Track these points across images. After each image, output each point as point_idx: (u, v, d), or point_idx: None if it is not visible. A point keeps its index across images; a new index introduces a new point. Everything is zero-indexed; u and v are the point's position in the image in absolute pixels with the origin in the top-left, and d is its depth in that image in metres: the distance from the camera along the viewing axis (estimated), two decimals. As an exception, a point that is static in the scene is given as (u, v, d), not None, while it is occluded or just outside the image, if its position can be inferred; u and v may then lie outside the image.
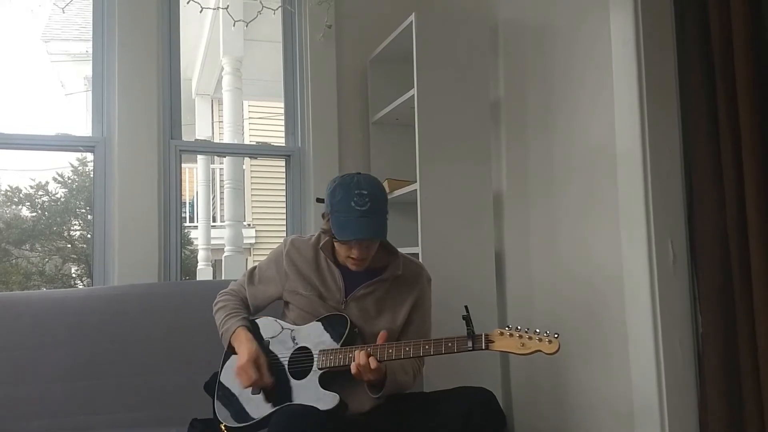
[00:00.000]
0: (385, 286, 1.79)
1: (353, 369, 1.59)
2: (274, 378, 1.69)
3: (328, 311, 1.76)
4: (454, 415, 1.58)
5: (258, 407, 1.68)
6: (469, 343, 1.51)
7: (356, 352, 1.60)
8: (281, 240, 1.94)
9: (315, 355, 1.68)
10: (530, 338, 1.47)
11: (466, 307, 1.53)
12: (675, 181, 1.85)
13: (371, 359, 1.57)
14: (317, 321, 1.74)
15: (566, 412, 2.16)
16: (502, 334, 1.50)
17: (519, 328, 1.50)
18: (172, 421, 1.93)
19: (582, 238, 2.08)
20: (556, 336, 1.46)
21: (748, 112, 1.58)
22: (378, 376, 1.61)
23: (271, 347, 1.76)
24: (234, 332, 1.77)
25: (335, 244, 1.76)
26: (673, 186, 1.84)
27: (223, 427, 1.70)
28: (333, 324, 1.72)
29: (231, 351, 1.78)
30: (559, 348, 1.45)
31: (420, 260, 2.19)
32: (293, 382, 1.68)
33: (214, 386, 1.80)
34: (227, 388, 1.77)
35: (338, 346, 1.67)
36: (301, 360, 1.70)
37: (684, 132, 1.85)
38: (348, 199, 1.65)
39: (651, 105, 1.83)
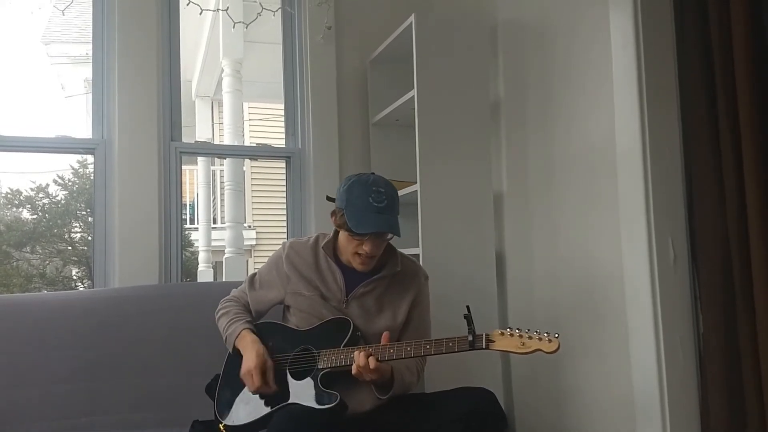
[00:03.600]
0: (384, 283, 1.80)
1: (354, 370, 1.59)
2: (278, 384, 1.69)
3: (330, 312, 1.76)
4: (455, 416, 1.58)
5: (258, 407, 1.69)
6: (470, 343, 1.52)
7: (356, 352, 1.60)
8: (281, 242, 1.95)
9: (317, 356, 1.69)
10: (530, 338, 1.49)
11: (467, 306, 1.54)
12: (675, 181, 1.85)
13: (371, 359, 1.58)
14: (320, 324, 1.75)
15: (567, 411, 2.16)
16: (502, 334, 1.52)
17: (519, 328, 1.51)
18: (174, 422, 1.93)
19: (582, 237, 2.08)
20: (556, 336, 1.48)
21: (748, 112, 1.58)
22: (379, 377, 1.61)
23: (274, 350, 1.75)
24: (239, 335, 1.77)
25: (341, 241, 1.77)
26: (673, 186, 1.84)
27: (222, 427, 1.71)
28: (336, 327, 1.72)
29: (236, 353, 1.78)
30: (558, 347, 1.46)
31: (421, 261, 2.19)
32: (294, 382, 1.68)
33: (215, 388, 1.81)
34: (228, 388, 1.77)
35: (340, 348, 1.67)
36: (303, 361, 1.70)
37: (684, 132, 1.86)
38: (366, 194, 1.69)
39: (651, 105, 1.83)
